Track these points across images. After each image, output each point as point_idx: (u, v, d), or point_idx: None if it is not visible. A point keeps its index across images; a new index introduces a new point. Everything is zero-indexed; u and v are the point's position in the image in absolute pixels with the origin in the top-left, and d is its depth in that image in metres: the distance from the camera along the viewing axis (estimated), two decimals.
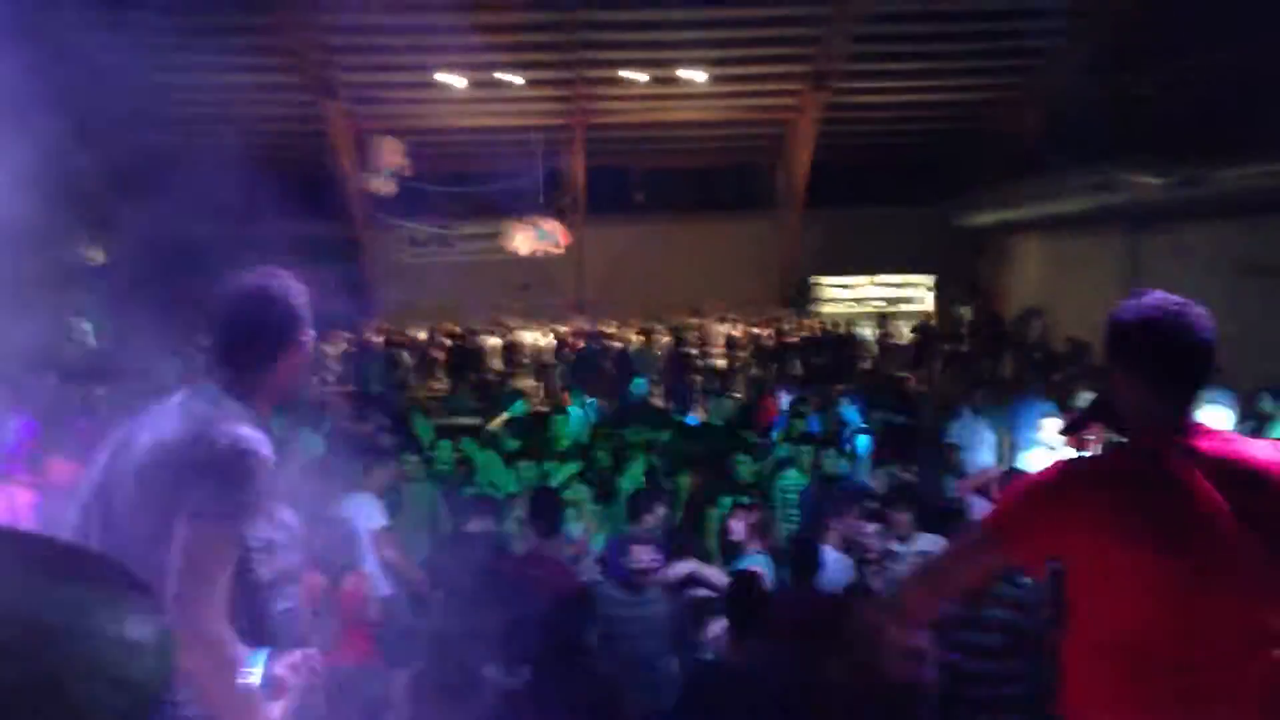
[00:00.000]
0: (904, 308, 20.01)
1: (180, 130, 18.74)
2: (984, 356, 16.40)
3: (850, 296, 20.52)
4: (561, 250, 18.74)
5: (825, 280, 20.53)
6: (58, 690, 0.92)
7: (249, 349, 2.46)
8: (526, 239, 18.49)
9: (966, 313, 19.08)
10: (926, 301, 20.32)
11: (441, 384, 15.31)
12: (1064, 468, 2.21)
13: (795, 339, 16.66)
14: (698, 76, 17.29)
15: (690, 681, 4.36)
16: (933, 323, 18.55)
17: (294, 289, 2.52)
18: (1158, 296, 2.15)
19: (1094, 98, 18.41)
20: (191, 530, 2.18)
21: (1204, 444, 2.07)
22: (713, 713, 4.10)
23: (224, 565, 2.21)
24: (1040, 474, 2.24)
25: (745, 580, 4.52)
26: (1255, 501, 2.01)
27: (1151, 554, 2.00)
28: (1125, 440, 2.21)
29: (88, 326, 15.98)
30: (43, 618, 0.98)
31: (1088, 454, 2.39)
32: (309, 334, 2.55)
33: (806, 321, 18.10)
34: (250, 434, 2.30)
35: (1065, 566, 2.15)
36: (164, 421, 2.36)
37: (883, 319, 18.79)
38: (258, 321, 2.46)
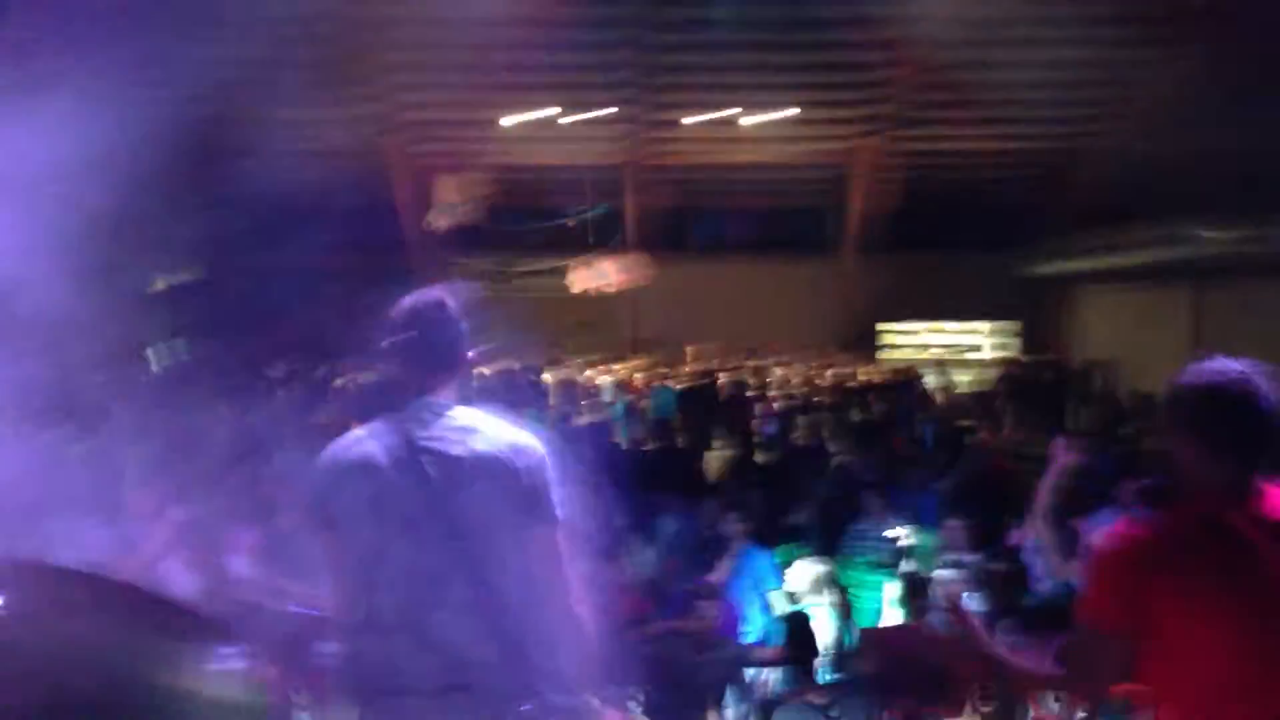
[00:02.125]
0: (967, 355, 19.79)
1: (250, 161, 19.09)
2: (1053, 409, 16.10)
3: (911, 343, 20.33)
4: (617, 289, 18.78)
5: (886, 326, 20.37)
6: None
7: (453, 357, 2.61)
8: (584, 277, 18.55)
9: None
10: (985, 350, 20.08)
11: None
12: (1128, 538, 2.23)
13: (855, 384, 16.47)
14: (759, 119, 17.33)
15: None
16: (1008, 371, 18.24)
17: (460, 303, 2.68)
18: (1220, 363, 2.16)
19: (1162, 150, 18.22)
20: (555, 530, 2.44)
21: (1265, 506, 2.07)
22: None
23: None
24: (1107, 547, 2.25)
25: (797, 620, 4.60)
26: None
27: (1221, 615, 2.02)
28: (1184, 503, 2.20)
29: (162, 350, 16.25)
30: (133, 674, 0.95)
31: (1144, 519, 2.36)
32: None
33: (866, 367, 17.90)
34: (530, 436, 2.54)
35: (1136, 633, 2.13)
36: (448, 436, 2.48)
37: (942, 365, 18.54)
38: (456, 331, 2.61)
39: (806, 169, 19.54)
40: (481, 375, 12.28)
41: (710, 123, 17.45)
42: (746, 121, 17.20)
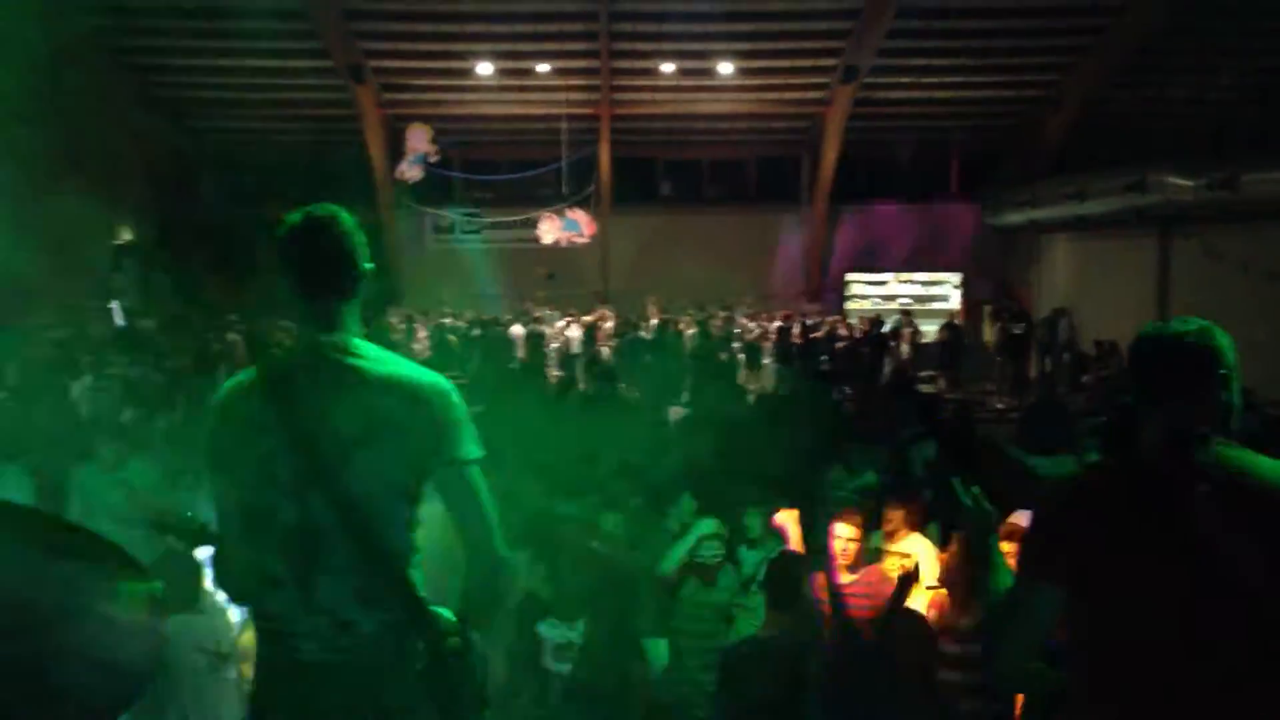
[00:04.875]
0: (933, 306, 19.81)
1: (213, 114, 18.88)
2: (1008, 358, 16.25)
3: (878, 293, 20.36)
4: (587, 240, 18.71)
5: (854, 276, 20.38)
6: (41, 672, 0.88)
7: (344, 273, 2.39)
8: (552, 228, 18.46)
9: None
10: (954, 300, 20.14)
11: None
12: (1065, 484, 2.28)
13: (821, 334, 16.52)
14: (727, 69, 17.22)
15: (725, 660, 4.42)
16: (959, 321, 18.34)
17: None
18: (1178, 319, 2.17)
19: (1127, 100, 18.27)
20: (468, 468, 2.33)
21: (1212, 459, 2.06)
22: (747, 686, 4.19)
23: None
24: (1047, 496, 2.27)
25: (784, 560, 4.59)
26: (1261, 521, 1.99)
27: (1154, 567, 2.01)
28: (1130, 452, 2.20)
29: (117, 305, 16.09)
30: (31, 596, 0.94)
31: (1091, 469, 2.37)
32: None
33: (831, 319, 17.91)
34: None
35: (1066, 583, 2.13)
36: (340, 383, 2.31)
37: (908, 315, 18.58)
38: (346, 246, 2.38)
39: (777, 119, 19.44)
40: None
41: (681, 72, 17.34)
42: (721, 70, 17.11)
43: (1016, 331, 16.41)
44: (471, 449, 2.34)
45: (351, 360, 2.31)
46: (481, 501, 2.33)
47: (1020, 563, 2.25)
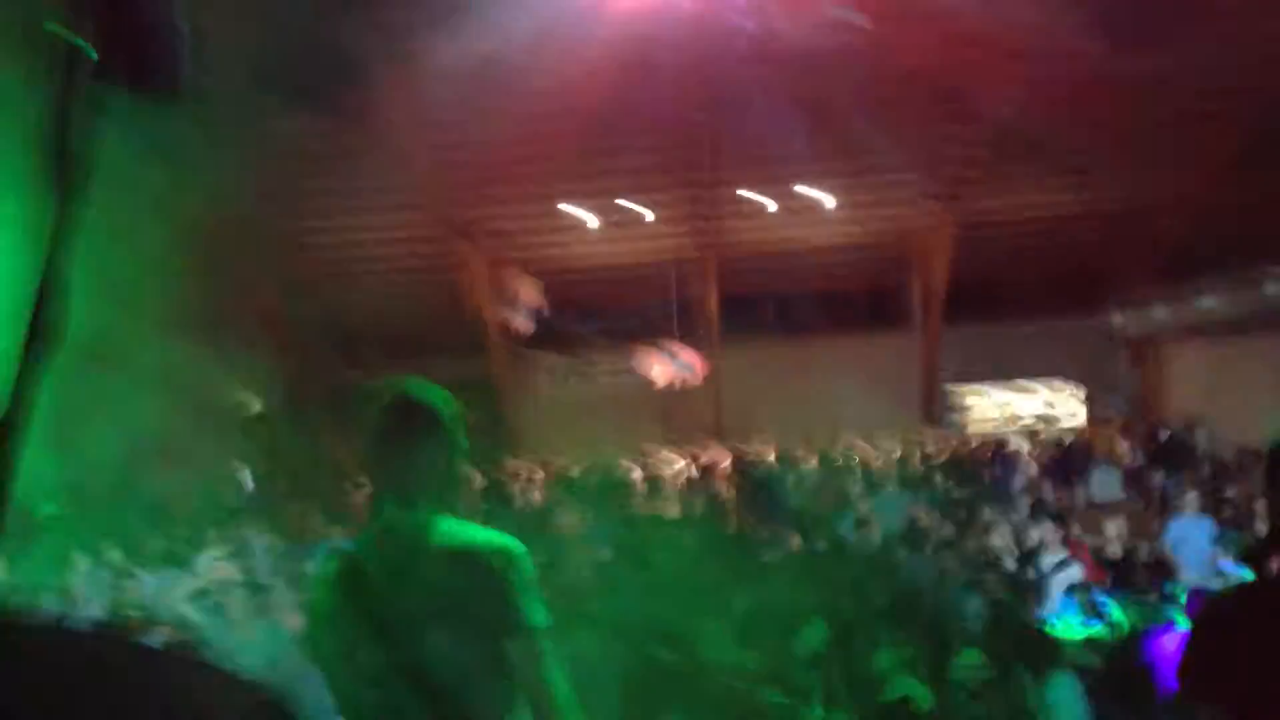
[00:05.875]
0: (1057, 425, 19.32)
1: (322, 277, 19.60)
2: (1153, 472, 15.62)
3: (998, 415, 19.93)
4: (698, 379, 18.77)
5: (968, 392, 20.04)
6: None
7: (426, 472, 2.36)
8: (663, 369, 18.59)
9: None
10: (1080, 416, 19.60)
11: None
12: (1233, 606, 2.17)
13: (940, 459, 16.16)
14: (826, 200, 17.38)
15: None
16: (1086, 438, 17.80)
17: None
18: None
19: (1241, 197, 17.85)
20: (533, 638, 2.24)
21: None
22: None
23: None
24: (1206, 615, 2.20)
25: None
26: None
27: None
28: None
29: (246, 473, 16.51)
30: None
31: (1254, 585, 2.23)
32: None
33: (948, 440, 17.54)
34: None
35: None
36: (412, 563, 2.31)
37: (1034, 435, 18.10)
38: (432, 442, 2.37)
39: (880, 245, 19.47)
40: None
41: (784, 209, 17.55)
42: (812, 197, 17.29)
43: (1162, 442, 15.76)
44: (537, 616, 2.22)
45: (424, 539, 2.26)
46: (549, 675, 2.20)
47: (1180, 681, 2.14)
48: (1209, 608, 2.19)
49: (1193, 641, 2.14)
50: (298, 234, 18.00)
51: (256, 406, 18.26)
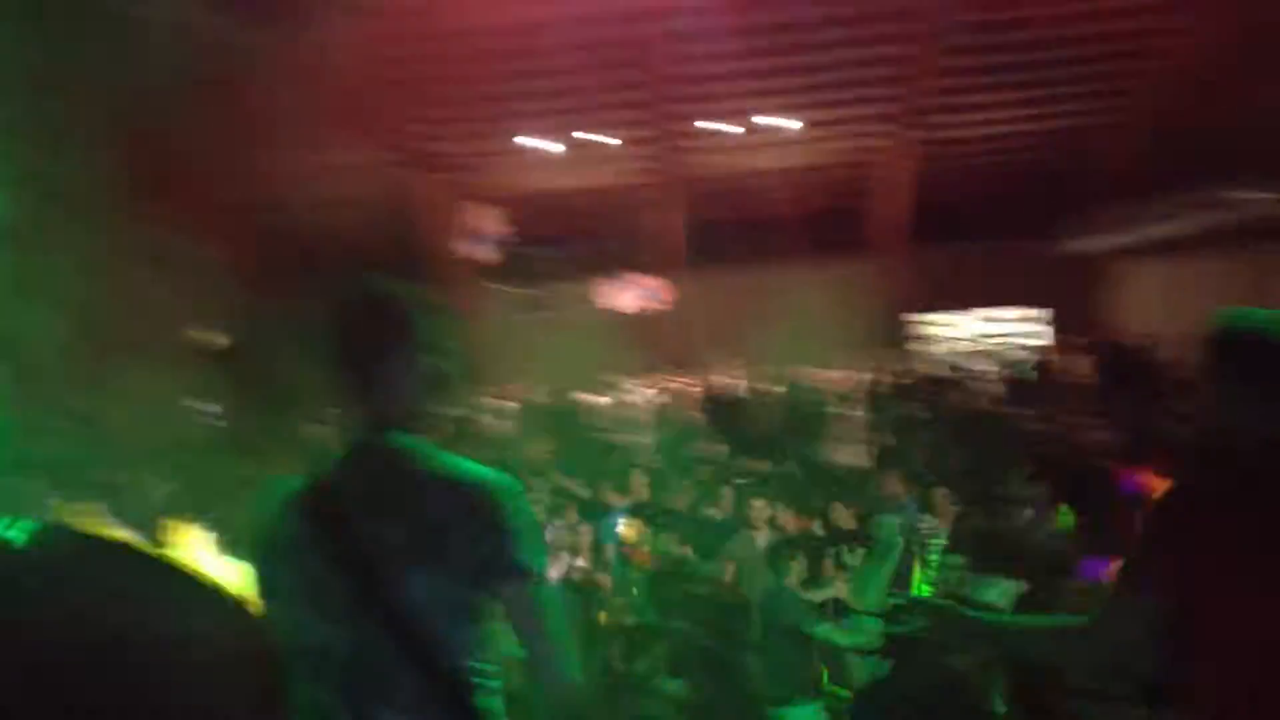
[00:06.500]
0: (1015, 343, 19.52)
1: (287, 211, 19.30)
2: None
3: (957, 336, 20.10)
4: (664, 306, 18.76)
5: (929, 320, 20.17)
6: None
7: (387, 371, 2.10)
8: (629, 297, 18.55)
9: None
10: (1041, 338, 19.80)
11: None
12: (1171, 501, 2.14)
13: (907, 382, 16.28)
14: (788, 124, 17.28)
15: None
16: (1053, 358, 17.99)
17: None
18: (1250, 312, 2.15)
19: (1199, 117, 17.93)
20: (528, 585, 2.07)
21: None
22: None
23: None
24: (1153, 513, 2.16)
25: None
26: None
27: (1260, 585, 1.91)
28: (1220, 459, 2.11)
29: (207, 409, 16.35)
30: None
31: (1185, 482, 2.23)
32: None
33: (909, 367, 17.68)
34: None
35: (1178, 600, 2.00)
36: (391, 493, 2.08)
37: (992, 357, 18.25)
38: (394, 337, 2.12)
39: (841, 169, 19.43)
40: None
41: (740, 133, 17.46)
42: (774, 123, 17.20)
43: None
44: (536, 559, 2.02)
45: (405, 463, 2.03)
46: (548, 620, 2.00)
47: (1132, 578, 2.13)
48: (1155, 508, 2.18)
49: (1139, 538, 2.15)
50: (245, 158, 17.65)
51: (222, 341, 18.08)
